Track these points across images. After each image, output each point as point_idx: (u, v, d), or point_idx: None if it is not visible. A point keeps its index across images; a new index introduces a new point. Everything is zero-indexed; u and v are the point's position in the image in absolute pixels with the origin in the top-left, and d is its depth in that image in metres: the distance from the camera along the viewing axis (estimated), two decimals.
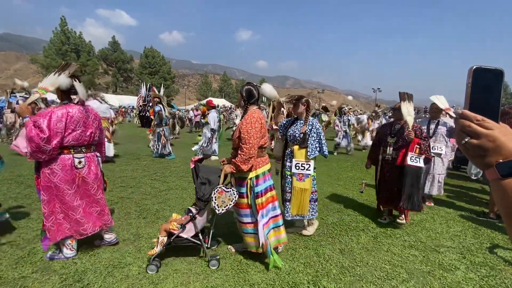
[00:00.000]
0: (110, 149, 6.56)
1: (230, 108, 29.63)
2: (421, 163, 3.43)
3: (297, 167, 3.04)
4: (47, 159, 2.42)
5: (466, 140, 0.54)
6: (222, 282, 2.34)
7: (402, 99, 3.47)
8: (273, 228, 2.69)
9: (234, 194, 2.50)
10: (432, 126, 4.40)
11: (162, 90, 12.30)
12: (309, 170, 3.03)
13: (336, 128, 10.13)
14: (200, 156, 2.88)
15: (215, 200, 2.47)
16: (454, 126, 3.46)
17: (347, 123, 9.83)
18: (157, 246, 2.51)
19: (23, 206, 3.80)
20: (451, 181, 6.18)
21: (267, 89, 2.92)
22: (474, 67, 0.54)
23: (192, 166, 2.67)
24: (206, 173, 2.65)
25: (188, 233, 2.58)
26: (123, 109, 26.65)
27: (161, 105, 7.72)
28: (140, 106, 19.01)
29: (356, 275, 2.52)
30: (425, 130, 4.17)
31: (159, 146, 7.65)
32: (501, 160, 0.50)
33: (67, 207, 2.53)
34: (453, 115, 0.58)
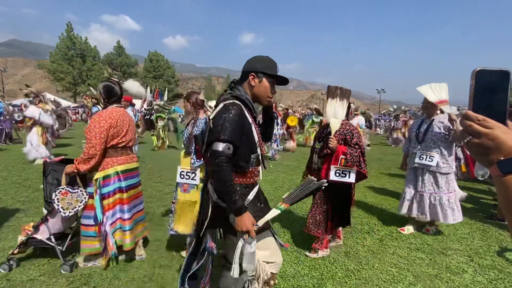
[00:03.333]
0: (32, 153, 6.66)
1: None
2: (350, 178, 2.68)
3: (182, 176, 2.61)
4: None
5: (468, 139, 0.57)
6: None
7: (331, 95, 2.74)
8: (119, 228, 2.51)
9: (83, 195, 2.37)
10: (423, 128, 3.30)
11: (166, 93, 12.42)
12: (195, 179, 2.59)
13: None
14: (62, 157, 2.71)
15: (58, 202, 2.32)
16: (451, 126, 3.05)
17: (279, 124, 8.72)
18: (17, 246, 2.52)
19: (30, 210, 3.85)
20: (458, 182, 6.09)
21: (133, 86, 2.61)
22: (478, 69, 0.56)
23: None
24: (60, 173, 2.47)
25: (42, 234, 2.51)
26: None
27: (99, 106, 7.66)
28: (145, 109, 19.16)
29: (361, 278, 2.50)
30: (415, 133, 3.40)
31: None
32: (502, 158, 0.52)
33: None
34: (448, 110, 0.59)
